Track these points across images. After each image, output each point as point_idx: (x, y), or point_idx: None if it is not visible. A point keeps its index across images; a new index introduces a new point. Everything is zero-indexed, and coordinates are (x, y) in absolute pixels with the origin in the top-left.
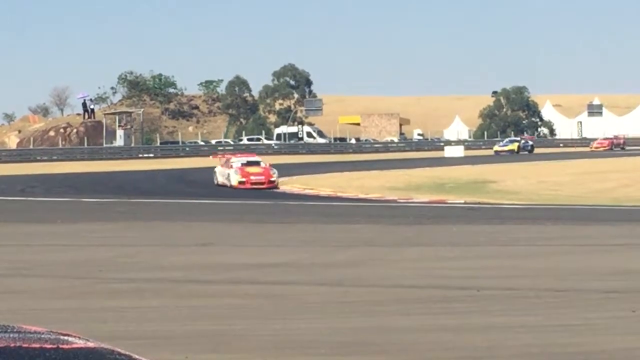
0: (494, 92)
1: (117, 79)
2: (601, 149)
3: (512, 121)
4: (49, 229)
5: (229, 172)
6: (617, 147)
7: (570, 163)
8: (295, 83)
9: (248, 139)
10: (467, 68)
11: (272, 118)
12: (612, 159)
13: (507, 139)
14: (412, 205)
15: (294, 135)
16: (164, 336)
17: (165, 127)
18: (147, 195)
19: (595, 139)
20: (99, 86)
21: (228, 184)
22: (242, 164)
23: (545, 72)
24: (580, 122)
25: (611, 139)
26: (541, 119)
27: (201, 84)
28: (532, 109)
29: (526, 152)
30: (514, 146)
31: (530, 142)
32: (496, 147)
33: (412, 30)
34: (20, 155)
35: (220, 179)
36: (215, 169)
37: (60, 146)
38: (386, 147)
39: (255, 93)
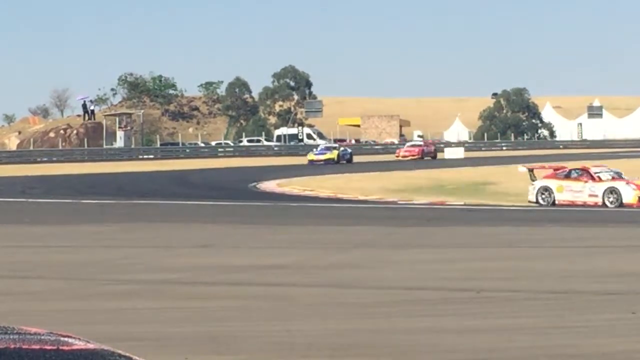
0: (494, 94)
1: (117, 80)
2: (409, 157)
3: (512, 123)
4: (49, 231)
5: (613, 186)
6: (428, 155)
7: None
8: (295, 84)
9: (248, 141)
10: (467, 70)
11: (272, 119)
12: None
13: (323, 146)
14: (412, 207)
15: (294, 136)
16: (163, 337)
17: (165, 129)
18: (147, 197)
19: (404, 144)
20: (99, 87)
21: (609, 202)
22: (614, 176)
23: (546, 73)
24: (581, 124)
25: (421, 145)
26: (541, 121)
27: (201, 85)
28: (532, 111)
29: (344, 162)
30: (334, 154)
31: (349, 150)
32: (311, 156)
33: (412, 32)
34: (20, 156)
35: (564, 195)
36: (545, 183)
37: (60, 147)
38: (386, 148)
39: (256, 94)
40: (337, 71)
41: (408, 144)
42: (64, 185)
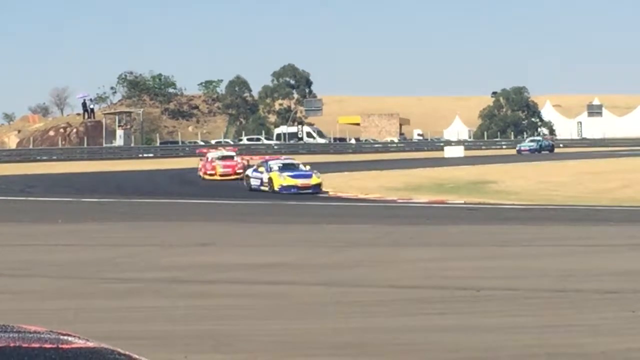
0: (494, 93)
1: (117, 78)
2: (232, 176)
3: (512, 121)
4: (49, 229)
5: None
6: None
7: (570, 163)
8: (295, 83)
9: (248, 139)
10: (467, 68)
11: (272, 118)
12: (611, 159)
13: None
14: (412, 205)
15: (293, 135)
16: (163, 336)
17: (165, 127)
18: (146, 196)
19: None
20: (99, 86)
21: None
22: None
23: (545, 72)
24: (580, 123)
25: (233, 158)
26: (541, 119)
27: (201, 84)
28: (532, 109)
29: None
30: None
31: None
32: (286, 179)
33: (412, 30)
34: (20, 155)
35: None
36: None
37: (60, 146)
38: (386, 147)
39: (255, 93)
40: (337, 70)
41: (215, 154)
42: (64, 184)
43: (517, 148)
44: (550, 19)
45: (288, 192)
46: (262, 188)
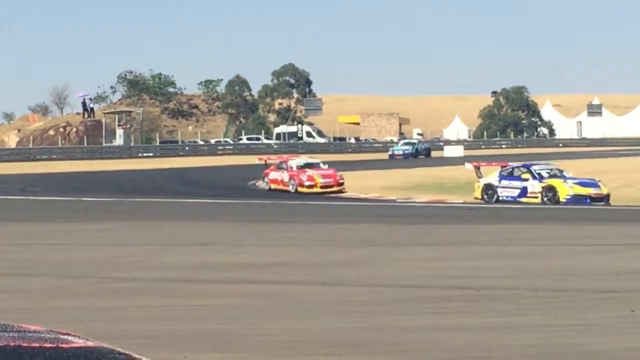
0: (494, 92)
1: (116, 78)
2: (334, 187)
3: (512, 121)
4: (49, 228)
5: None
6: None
7: (570, 163)
8: (294, 82)
9: (248, 139)
10: (466, 68)
11: (272, 117)
12: (612, 159)
13: None
14: (412, 205)
15: (293, 134)
16: (163, 335)
17: (164, 127)
18: (146, 195)
19: None
20: (99, 85)
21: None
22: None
23: (545, 71)
24: (580, 122)
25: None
26: (541, 119)
27: (201, 83)
28: (532, 109)
29: None
30: None
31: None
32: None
33: (412, 29)
34: (20, 154)
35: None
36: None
37: (60, 145)
38: (386, 146)
39: (255, 92)
40: (337, 69)
41: (297, 161)
42: (64, 183)
43: (389, 152)
44: (550, 19)
45: (578, 203)
46: (525, 199)
